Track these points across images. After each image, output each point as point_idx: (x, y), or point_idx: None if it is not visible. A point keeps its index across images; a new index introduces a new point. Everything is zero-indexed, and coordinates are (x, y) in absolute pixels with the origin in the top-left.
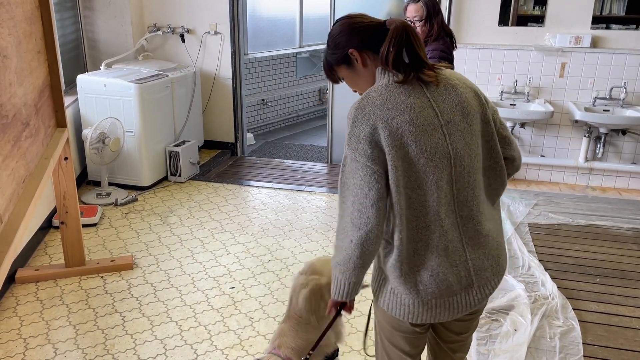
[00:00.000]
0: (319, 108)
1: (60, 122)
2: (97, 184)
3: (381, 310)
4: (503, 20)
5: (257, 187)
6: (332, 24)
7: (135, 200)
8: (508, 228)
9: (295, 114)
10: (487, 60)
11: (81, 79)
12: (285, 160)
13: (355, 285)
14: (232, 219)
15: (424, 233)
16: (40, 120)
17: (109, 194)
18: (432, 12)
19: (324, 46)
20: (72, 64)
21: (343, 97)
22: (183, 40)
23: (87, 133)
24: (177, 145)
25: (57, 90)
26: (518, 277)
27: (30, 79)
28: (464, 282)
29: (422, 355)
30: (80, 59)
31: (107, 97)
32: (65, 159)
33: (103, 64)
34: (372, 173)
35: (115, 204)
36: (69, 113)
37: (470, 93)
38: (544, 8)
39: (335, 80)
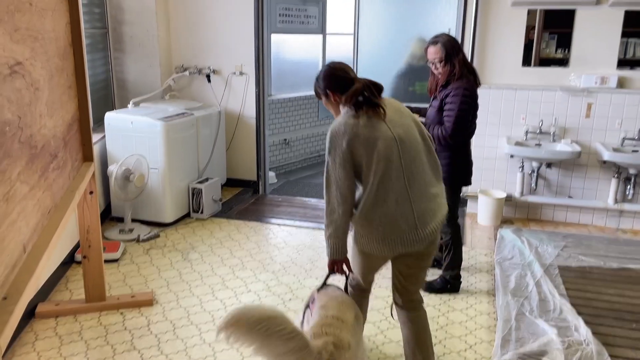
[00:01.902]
0: None
1: (87, 157)
2: (121, 220)
3: (359, 249)
4: (526, 61)
5: (278, 224)
6: (355, 67)
7: (157, 236)
8: (537, 270)
9: (316, 154)
10: (511, 100)
11: (109, 116)
12: (307, 199)
13: (345, 245)
14: (253, 257)
15: (381, 191)
16: (68, 153)
17: (131, 230)
18: (451, 52)
19: None
20: (101, 103)
21: None
22: (209, 80)
23: (113, 169)
24: (200, 182)
25: (85, 125)
26: (549, 321)
27: (60, 112)
28: (410, 224)
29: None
30: (109, 98)
31: (133, 134)
32: (91, 193)
33: (131, 103)
34: (345, 172)
35: (138, 240)
36: (96, 149)
37: (404, 106)
38: (566, 51)
39: (319, 98)
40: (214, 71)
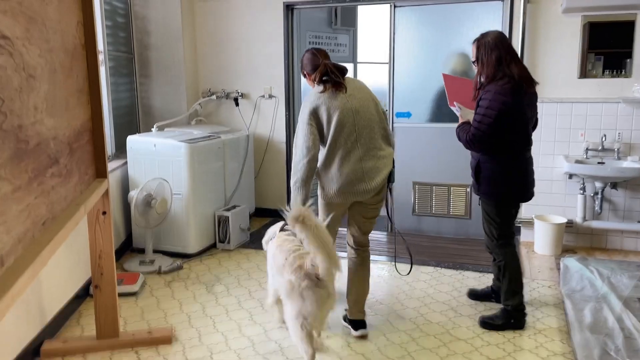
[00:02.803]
0: None
1: (101, 173)
2: (142, 251)
3: (323, 200)
4: (582, 72)
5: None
6: (390, 94)
7: (180, 268)
8: (615, 303)
9: None
10: (567, 115)
11: (131, 139)
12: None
13: (307, 195)
14: None
15: (338, 150)
16: (74, 163)
17: (152, 261)
18: (482, 51)
19: None
20: (126, 129)
21: (405, 164)
22: (237, 104)
23: (133, 194)
24: (227, 210)
25: (99, 137)
26: None
27: (65, 115)
28: (359, 177)
29: None
30: (135, 123)
31: (156, 158)
32: (104, 213)
33: (155, 126)
34: (311, 129)
35: (159, 272)
36: (117, 174)
37: (365, 87)
38: (615, 72)
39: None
40: (242, 95)
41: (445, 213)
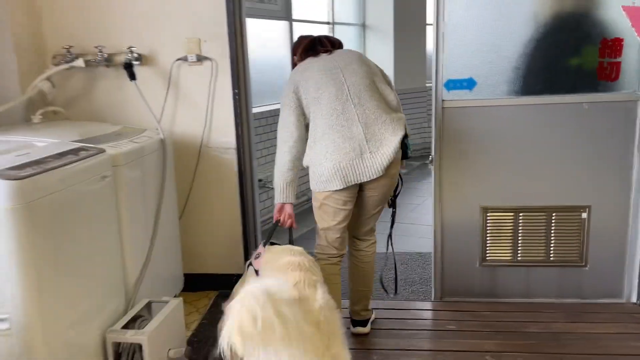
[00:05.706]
0: None
1: None
2: None
3: (314, 194)
4: None
5: None
6: (438, 49)
7: None
8: None
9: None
10: None
11: None
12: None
13: (290, 185)
14: None
15: (327, 117)
16: None
17: None
18: None
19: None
20: None
21: (463, 175)
22: (132, 77)
23: None
24: (133, 321)
25: None
26: None
27: None
28: (357, 150)
29: None
30: None
31: None
32: None
33: None
34: (291, 109)
35: None
36: None
37: (357, 55)
38: None
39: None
40: (139, 57)
41: (542, 259)
